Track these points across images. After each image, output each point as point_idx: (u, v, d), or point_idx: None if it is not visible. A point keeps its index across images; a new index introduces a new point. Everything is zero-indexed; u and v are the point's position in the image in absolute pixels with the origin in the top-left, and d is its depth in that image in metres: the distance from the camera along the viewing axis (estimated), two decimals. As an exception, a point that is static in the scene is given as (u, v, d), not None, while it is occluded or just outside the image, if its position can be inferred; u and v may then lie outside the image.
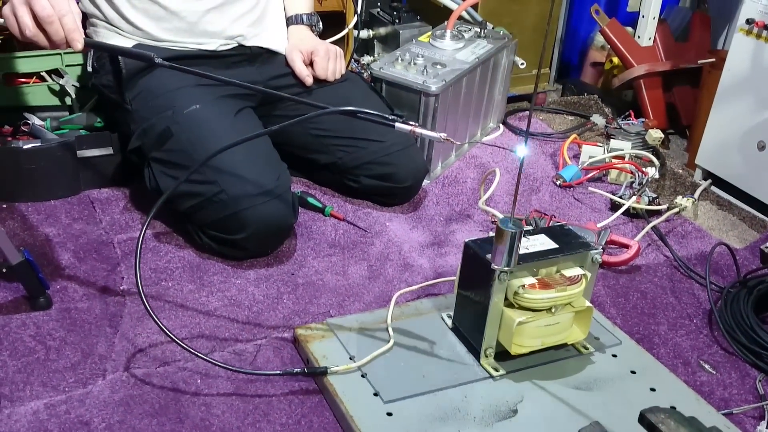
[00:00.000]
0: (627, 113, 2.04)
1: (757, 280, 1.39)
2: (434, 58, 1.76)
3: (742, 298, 1.35)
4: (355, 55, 2.12)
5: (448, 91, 1.70)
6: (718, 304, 1.38)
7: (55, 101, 1.72)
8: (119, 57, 1.46)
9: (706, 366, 1.27)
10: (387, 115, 1.11)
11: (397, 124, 1.09)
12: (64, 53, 1.68)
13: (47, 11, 1.13)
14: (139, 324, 1.25)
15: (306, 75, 1.59)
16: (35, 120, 1.65)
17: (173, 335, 1.11)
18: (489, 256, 1.09)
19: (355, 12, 2.02)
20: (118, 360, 1.17)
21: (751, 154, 1.74)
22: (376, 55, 2.17)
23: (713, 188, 1.85)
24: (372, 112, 1.12)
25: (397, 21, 2.11)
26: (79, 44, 1.17)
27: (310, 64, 1.61)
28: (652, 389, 1.16)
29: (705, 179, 1.88)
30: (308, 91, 1.61)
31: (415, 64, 1.71)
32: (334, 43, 1.77)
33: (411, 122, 1.10)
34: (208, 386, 1.14)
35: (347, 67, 1.69)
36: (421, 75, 1.68)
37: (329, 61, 1.61)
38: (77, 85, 1.70)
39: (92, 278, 1.35)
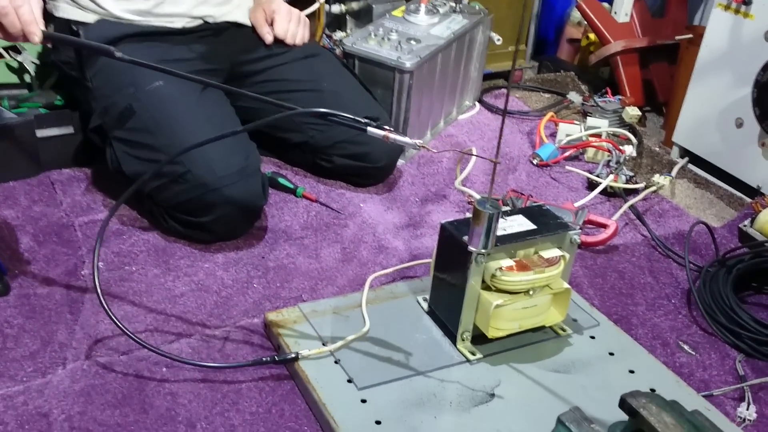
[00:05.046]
0: (603, 90, 2.01)
1: (736, 259, 1.38)
2: (408, 33, 1.71)
3: (721, 278, 1.33)
4: (326, 31, 2.06)
5: (423, 68, 1.65)
6: (696, 284, 1.36)
7: (13, 79, 1.65)
8: (79, 31, 1.41)
9: (686, 347, 1.25)
10: (361, 119, 1.07)
11: (369, 129, 1.05)
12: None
13: (2, 3, 1.09)
14: (101, 310, 1.19)
15: (266, 32, 1.56)
16: (-8, 98, 1.59)
17: (126, 329, 1.07)
18: (466, 238, 1.06)
19: (327, -14, 1.96)
20: (79, 348, 1.12)
21: (729, 132, 1.72)
22: (348, 31, 2.11)
23: (690, 166, 1.84)
24: (345, 115, 1.08)
25: (370, -5, 2.05)
26: (37, 37, 1.13)
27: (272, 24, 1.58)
28: (631, 371, 1.14)
29: (682, 157, 1.86)
30: (279, 64, 1.56)
31: (388, 39, 1.66)
32: (306, 17, 1.71)
33: (385, 126, 1.06)
34: (173, 375, 1.09)
35: (319, 41, 1.64)
36: (395, 51, 1.63)
37: (290, 22, 1.57)
38: (36, 62, 1.63)
39: (52, 263, 1.30)
